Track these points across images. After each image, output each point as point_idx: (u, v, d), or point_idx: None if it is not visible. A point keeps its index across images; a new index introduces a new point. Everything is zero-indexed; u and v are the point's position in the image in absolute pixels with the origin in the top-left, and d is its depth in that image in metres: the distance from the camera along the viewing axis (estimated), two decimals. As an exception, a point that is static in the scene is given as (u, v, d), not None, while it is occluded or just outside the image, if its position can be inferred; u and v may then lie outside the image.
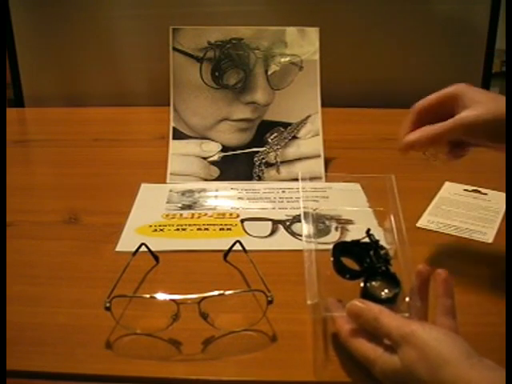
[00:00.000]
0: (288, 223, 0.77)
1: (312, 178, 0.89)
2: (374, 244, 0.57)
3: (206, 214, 0.79)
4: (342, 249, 0.57)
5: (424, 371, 0.45)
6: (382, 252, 0.57)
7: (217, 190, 0.86)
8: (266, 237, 0.74)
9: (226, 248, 0.69)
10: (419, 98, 0.63)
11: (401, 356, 0.47)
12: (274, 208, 0.81)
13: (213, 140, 0.91)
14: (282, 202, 0.83)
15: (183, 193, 0.85)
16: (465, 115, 0.59)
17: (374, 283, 0.55)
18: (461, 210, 0.79)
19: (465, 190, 0.84)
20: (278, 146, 0.90)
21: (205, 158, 0.90)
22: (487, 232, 0.74)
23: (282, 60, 0.92)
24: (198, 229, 0.76)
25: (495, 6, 1.20)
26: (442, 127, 0.60)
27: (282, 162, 0.90)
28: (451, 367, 0.44)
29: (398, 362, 0.47)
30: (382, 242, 0.60)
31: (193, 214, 0.79)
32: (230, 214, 0.79)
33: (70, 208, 0.80)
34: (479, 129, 0.59)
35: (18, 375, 0.52)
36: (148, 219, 0.77)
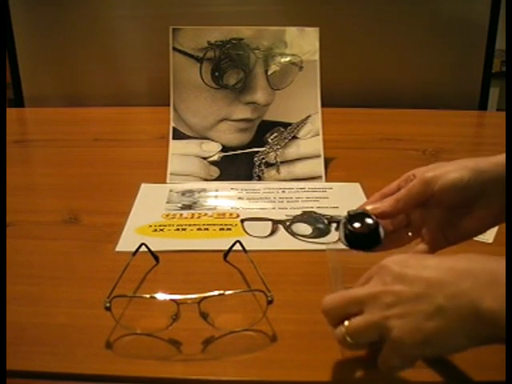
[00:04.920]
0: (288, 223, 0.76)
1: (312, 178, 0.89)
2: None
3: (206, 214, 0.79)
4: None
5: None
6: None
7: (217, 190, 0.86)
8: (265, 237, 0.74)
9: (226, 248, 0.69)
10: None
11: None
12: (273, 208, 0.81)
13: (213, 140, 0.91)
14: (282, 202, 0.83)
15: (183, 193, 0.85)
16: (427, 173, 0.55)
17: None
18: (461, 210, 0.78)
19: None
20: (278, 146, 0.90)
21: (205, 158, 0.90)
22: (487, 232, 0.74)
23: (282, 60, 0.92)
24: (198, 229, 0.76)
25: (495, 6, 1.20)
26: (405, 190, 0.56)
27: (281, 162, 0.90)
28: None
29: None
30: None
31: (193, 214, 0.79)
32: (230, 214, 0.79)
33: (70, 208, 0.80)
34: (444, 184, 0.53)
35: (18, 375, 0.52)
36: (148, 219, 0.77)
